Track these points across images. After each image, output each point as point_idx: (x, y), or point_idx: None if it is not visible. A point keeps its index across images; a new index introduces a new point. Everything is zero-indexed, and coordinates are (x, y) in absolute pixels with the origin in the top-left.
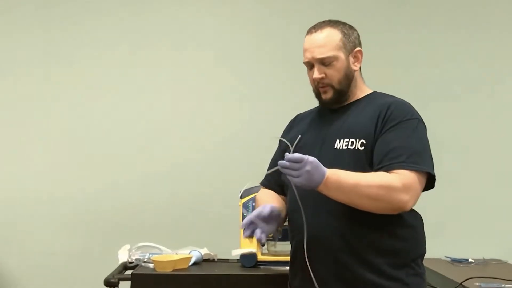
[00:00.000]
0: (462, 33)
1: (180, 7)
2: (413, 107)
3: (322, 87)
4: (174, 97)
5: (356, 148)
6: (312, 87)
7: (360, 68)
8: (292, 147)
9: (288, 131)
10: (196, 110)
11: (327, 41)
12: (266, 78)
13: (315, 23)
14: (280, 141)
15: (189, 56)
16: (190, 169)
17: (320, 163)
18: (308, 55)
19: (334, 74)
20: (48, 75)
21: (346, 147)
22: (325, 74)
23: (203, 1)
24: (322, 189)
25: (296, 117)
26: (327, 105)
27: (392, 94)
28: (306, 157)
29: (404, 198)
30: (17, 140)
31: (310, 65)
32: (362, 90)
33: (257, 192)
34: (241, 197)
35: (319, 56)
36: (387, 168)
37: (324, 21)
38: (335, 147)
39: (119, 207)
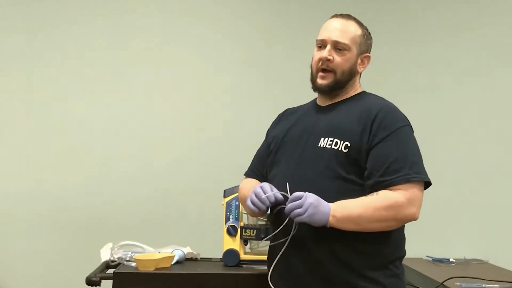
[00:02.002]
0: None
1: (171, 9)
2: (400, 111)
3: (323, 70)
4: (159, 96)
5: (340, 149)
6: (312, 69)
7: (360, 74)
8: (288, 192)
9: (276, 125)
10: (180, 109)
11: (349, 30)
12: (251, 78)
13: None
14: (267, 134)
15: (175, 55)
16: (173, 168)
17: (319, 197)
18: (326, 34)
19: (341, 63)
20: (29, 71)
21: (329, 146)
22: (333, 58)
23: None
24: (333, 222)
25: (285, 111)
26: (321, 91)
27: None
28: (305, 192)
29: (411, 211)
30: None
31: (323, 43)
32: (355, 90)
33: None
34: (224, 196)
35: (336, 38)
36: (392, 182)
37: (350, 15)
38: (319, 145)
39: (102, 205)
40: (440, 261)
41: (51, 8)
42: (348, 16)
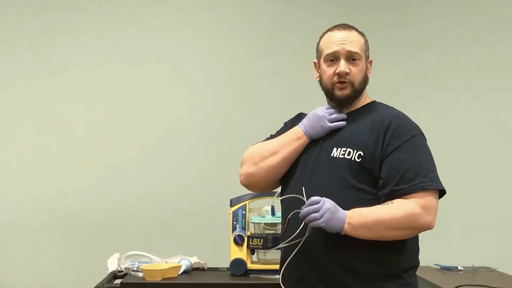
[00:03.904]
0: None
1: (171, 9)
2: (411, 120)
3: (342, 82)
4: (164, 99)
5: (353, 158)
6: (327, 83)
7: None
8: (305, 197)
9: (291, 125)
10: (187, 116)
11: (357, 40)
12: (257, 83)
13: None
14: (285, 127)
15: (175, 55)
16: (180, 178)
17: (336, 204)
18: (336, 47)
19: (357, 73)
20: (30, 78)
21: (342, 156)
22: (350, 70)
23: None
24: (348, 229)
25: (299, 116)
26: (341, 102)
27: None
28: (322, 198)
29: (427, 219)
30: None
31: (335, 56)
32: (364, 99)
33: (247, 200)
34: (231, 205)
35: (350, 48)
36: (408, 191)
37: (347, 24)
38: (332, 155)
39: (109, 215)
40: (448, 269)
41: (53, 18)
42: (349, 27)
